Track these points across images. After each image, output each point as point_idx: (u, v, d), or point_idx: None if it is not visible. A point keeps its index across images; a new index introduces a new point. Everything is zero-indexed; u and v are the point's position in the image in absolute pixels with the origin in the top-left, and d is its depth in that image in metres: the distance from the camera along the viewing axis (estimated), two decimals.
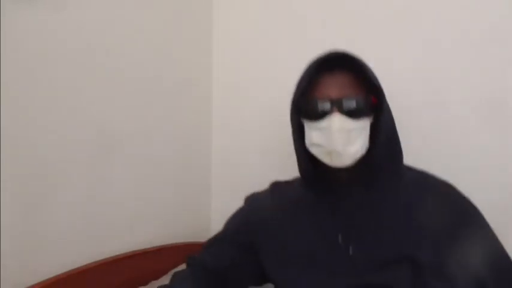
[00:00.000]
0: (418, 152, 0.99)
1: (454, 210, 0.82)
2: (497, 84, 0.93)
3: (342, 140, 0.80)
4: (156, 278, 1.05)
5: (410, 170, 0.89)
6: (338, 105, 0.80)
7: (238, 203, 0.99)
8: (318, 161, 0.85)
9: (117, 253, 1.05)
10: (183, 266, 0.97)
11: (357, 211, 0.84)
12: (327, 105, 0.80)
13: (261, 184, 0.99)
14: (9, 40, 0.83)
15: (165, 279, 0.98)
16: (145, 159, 1.12)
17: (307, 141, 0.84)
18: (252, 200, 1.00)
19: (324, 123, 0.81)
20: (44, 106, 0.90)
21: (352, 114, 0.80)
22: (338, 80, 0.83)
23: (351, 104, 0.81)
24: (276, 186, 0.99)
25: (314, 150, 0.84)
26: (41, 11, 0.88)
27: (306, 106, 0.82)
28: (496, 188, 0.92)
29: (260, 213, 0.95)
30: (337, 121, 0.80)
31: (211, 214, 1.33)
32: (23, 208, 0.87)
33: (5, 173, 0.83)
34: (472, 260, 0.77)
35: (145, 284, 1.03)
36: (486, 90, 0.94)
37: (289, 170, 0.93)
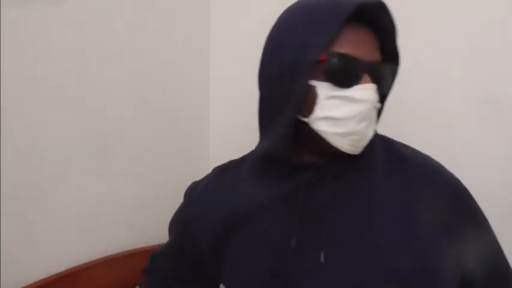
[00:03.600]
0: None
1: (453, 205, 0.66)
2: (496, 83, 0.93)
3: (371, 118, 0.62)
4: None
5: (396, 155, 0.70)
6: (372, 72, 0.61)
7: None
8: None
9: (116, 252, 1.05)
10: None
11: (330, 208, 0.65)
12: (362, 69, 0.60)
13: None
14: (7, 39, 0.82)
15: None
16: (142, 157, 1.12)
17: (318, 113, 0.61)
18: (192, 196, 0.80)
19: (353, 92, 0.60)
20: (41, 105, 0.90)
21: (382, 86, 0.63)
22: (367, 38, 0.63)
23: (386, 73, 0.63)
24: (221, 173, 0.79)
25: (324, 127, 0.61)
26: (39, 8, 0.88)
27: (333, 65, 0.59)
28: (494, 187, 0.92)
29: (202, 212, 0.76)
30: (373, 92, 0.60)
31: None
32: (20, 208, 0.87)
33: (3, 172, 0.83)
34: (468, 262, 0.65)
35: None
36: (485, 89, 0.94)
37: None
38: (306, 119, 0.62)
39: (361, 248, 0.63)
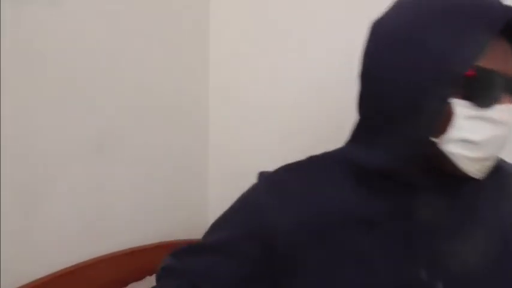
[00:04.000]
0: None
1: None
2: None
3: (505, 142, 0.56)
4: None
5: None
6: (511, 91, 0.54)
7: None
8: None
9: (116, 250, 1.05)
10: None
11: (445, 232, 0.59)
12: (505, 87, 0.53)
13: None
14: (7, 38, 0.82)
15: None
16: (142, 157, 1.11)
17: (453, 134, 0.54)
18: (271, 186, 0.66)
19: (494, 112, 0.53)
20: (42, 104, 0.90)
21: None
22: (509, 52, 0.55)
23: None
24: (302, 170, 0.67)
25: (457, 149, 0.54)
26: (39, 8, 0.87)
27: (481, 83, 0.52)
28: None
29: (282, 204, 0.62)
30: (510, 113, 0.54)
31: (208, 210, 1.33)
32: (20, 207, 0.87)
33: (4, 171, 0.83)
34: None
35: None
36: None
37: None
38: (435, 139, 0.55)
39: (479, 280, 0.58)
